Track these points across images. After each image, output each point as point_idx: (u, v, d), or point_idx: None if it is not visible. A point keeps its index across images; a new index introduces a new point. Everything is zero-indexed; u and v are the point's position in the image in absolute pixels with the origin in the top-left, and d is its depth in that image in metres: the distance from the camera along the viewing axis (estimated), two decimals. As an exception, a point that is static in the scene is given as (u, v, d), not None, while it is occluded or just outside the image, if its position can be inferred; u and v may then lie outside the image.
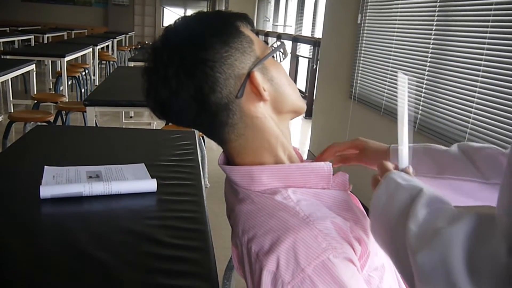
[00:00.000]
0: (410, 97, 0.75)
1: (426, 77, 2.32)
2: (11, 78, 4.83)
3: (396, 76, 2.63)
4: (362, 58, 3.15)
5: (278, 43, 0.76)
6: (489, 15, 1.88)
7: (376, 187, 0.67)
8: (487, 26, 1.88)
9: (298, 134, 5.57)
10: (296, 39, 7.26)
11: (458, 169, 0.78)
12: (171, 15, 15.07)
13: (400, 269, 0.60)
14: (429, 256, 0.52)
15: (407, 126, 0.75)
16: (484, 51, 1.88)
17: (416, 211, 0.57)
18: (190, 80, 0.67)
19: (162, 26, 14.55)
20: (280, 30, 9.31)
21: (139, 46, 11.00)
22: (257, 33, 9.64)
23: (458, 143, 0.83)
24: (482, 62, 1.89)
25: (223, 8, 11.00)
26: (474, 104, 1.93)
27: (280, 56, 0.77)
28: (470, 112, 1.95)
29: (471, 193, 0.78)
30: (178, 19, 0.73)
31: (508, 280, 0.44)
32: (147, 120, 5.26)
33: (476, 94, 1.92)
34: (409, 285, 0.57)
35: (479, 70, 1.91)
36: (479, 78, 1.90)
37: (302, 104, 0.78)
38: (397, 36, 2.67)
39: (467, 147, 0.80)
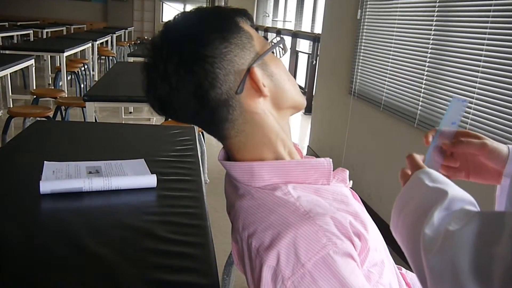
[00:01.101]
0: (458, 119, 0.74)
1: (426, 73, 2.32)
2: (10, 73, 4.82)
3: (396, 73, 2.62)
4: (362, 54, 3.15)
5: (278, 38, 0.76)
6: (489, 10, 1.87)
7: (405, 184, 0.66)
8: (487, 22, 1.88)
9: (298, 130, 5.57)
10: (296, 35, 7.24)
11: None
12: (170, 10, 15.02)
13: (415, 269, 0.59)
14: (439, 258, 0.52)
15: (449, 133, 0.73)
16: (484, 47, 1.88)
17: (434, 217, 0.57)
18: (190, 76, 0.67)
19: (162, 21, 14.52)
20: (279, 25, 9.29)
21: (139, 42, 10.98)
22: (257, 28, 9.57)
23: None
24: (482, 58, 1.89)
25: (223, 4, 10.97)
26: (474, 100, 1.93)
27: (279, 51, 0.77)
28: (470, 108, 1.95)
29: None
30: (178, 14, 0.73)
31: None
32: (146, 115, 5.26)
33: (476, 90, 1.92)
34: (423, 285, 0.57)
35: (479, 66, 1.91)
36: (479, 74, 1.90)
37: (302, 100, 0.78)
38: (397, 31, 2.67)
39: None
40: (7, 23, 10.54)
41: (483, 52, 1.89)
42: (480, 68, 1.90)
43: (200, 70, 0.66)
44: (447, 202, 0.58)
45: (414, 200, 0.62)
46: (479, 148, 0.72)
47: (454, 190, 0.60)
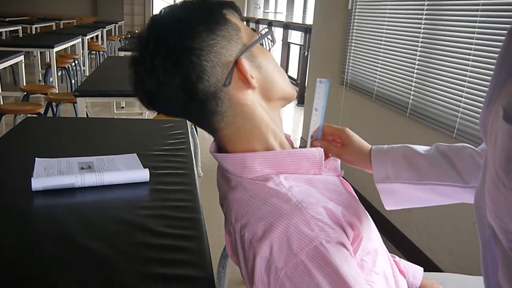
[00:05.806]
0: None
1: (417, 62, 2.32)
2: (-1, 70, 4.77)
3: (387, 63, 2.62)
4: (353, 44, 3.15)
5: (266, 30, 0.76)
6: (479, -1, 1.88)
7: None
8: (477, 10, 1.88)
9: (291, 121, 5.57)
10: (287, 26, 7.22)
11: (438, 175, 0.79)
12: (160, 4, 14.90)
13: None
14: None
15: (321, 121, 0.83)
16: (475, 35, 1.89)
17: None
18: (177, 69, 0.66)
19: (152, 15, 14.38)
20: (271, 17, 9.25)
21: (129, 36, 10.88)
22: (248, 20, 9.51)
23: (437, 143, 0.83)
24: (473, 46, 1.89)
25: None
26: (465, 88, 1.94)
27: (268, 43, 0.77)
28: (461, 96, 1.96)
29: (452, 195, 0.80)
30: (164, 8, 0.72)
31: None
32: (138, 110, 5.22)
33: (467, 78, 1.93)
34: None
35: (469, 54, 1.91)
36: (470, 62, 1.91)
37: (291, 91, 0.78)
38: (388, 21, 2.67)
39: (446, 150, 0.81)
40: (-5, 19, 10.41)
41: (474, 41, 1.89)
42: (471, 56, 1.90)
43: (187, 63, 0.66)
44: None
45: None
46: (338, 155, 0.82)
47: None
